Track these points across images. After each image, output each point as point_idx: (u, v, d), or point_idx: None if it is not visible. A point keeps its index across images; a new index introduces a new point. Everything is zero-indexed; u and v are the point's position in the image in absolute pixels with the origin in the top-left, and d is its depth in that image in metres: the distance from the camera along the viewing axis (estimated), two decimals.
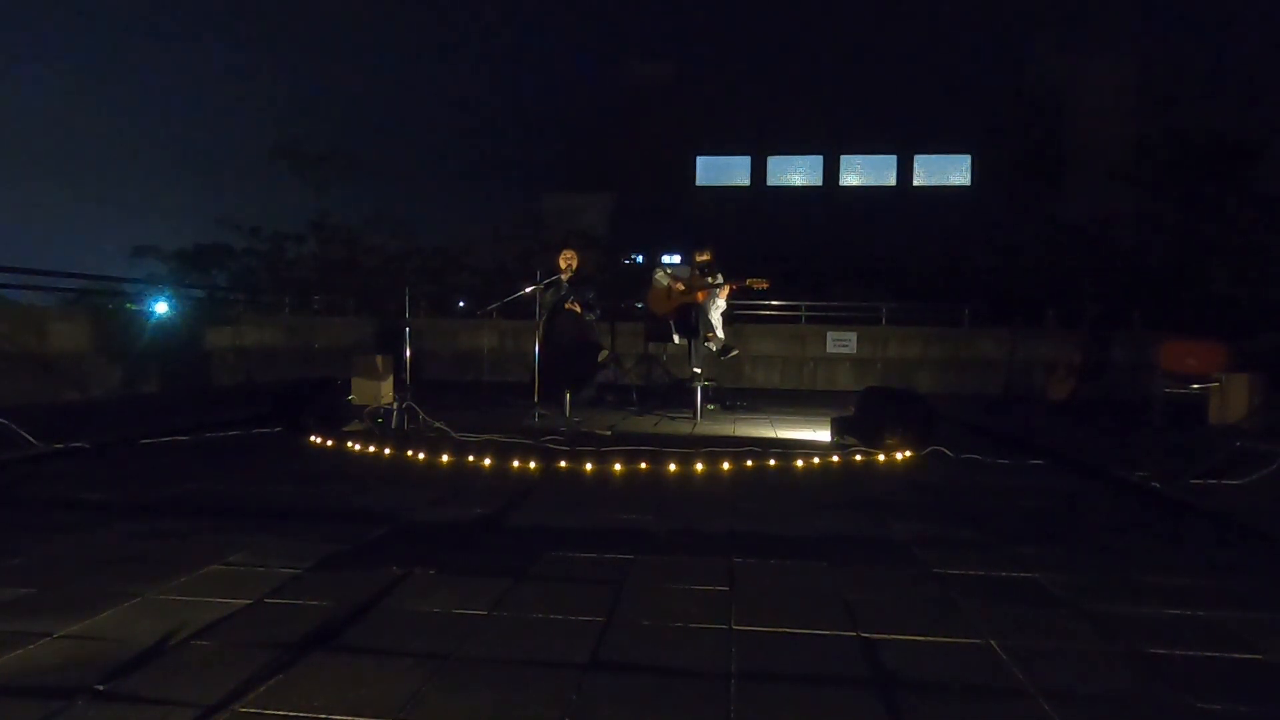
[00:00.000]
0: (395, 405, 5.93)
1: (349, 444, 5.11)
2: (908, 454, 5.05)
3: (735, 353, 7.93)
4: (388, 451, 4.89)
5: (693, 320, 7.28)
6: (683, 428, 6.29)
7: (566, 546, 2.88)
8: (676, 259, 23.34)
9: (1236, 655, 2.01)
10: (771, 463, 4.73)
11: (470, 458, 4.64)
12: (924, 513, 3.57)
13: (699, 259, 7.64)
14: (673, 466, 4.50)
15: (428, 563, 2.63)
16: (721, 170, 39.95)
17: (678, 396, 7.66)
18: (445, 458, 4.66)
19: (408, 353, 6.25)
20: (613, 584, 2.46)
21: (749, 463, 4.70)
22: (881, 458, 4.97)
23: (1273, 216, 14.68)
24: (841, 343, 11.46)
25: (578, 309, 7.20)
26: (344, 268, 21.90)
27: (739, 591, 2.43)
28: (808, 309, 12.35)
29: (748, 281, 7.44)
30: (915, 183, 38.33)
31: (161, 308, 9.25)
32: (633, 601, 2.32)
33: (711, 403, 7.65)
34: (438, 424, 5.71)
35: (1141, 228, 18.03)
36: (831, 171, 39.14)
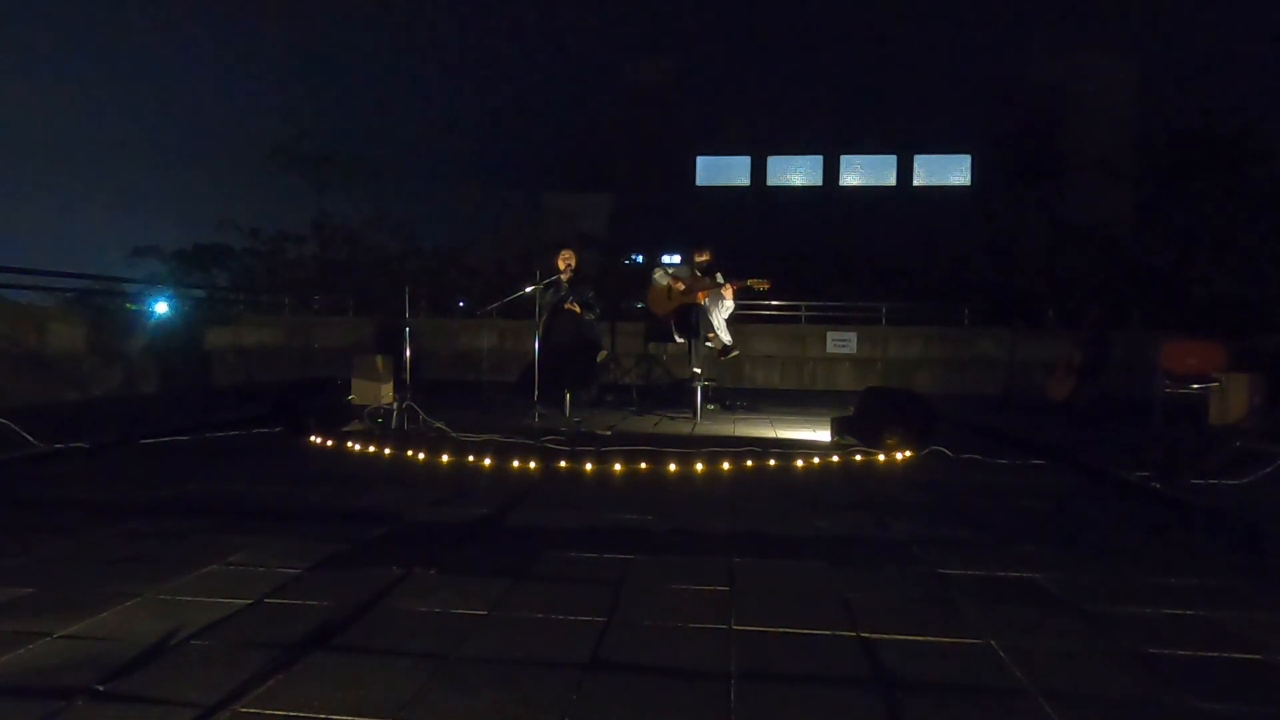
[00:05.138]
0: (395, 405, 5.94)
1: (349, 444, 5.11)
2: (908, 454, 5.05)
3: (735, 353, 7.92)
4: (388, 451, 4.89)
5: (693, 320, 7.27)
6: (683, 428, 6.28)
7: (566, 546, 2.88)
8: (676, 259, 23.33)
9: (1236, 655, 2.01)
10: (771, 463, 4.73)
11: (470, 458, 4.64)
12: (924, 513, 3.57)
13: (698, 259, 7.63)
14: (673, 466, 4.50)
15: (428, 563, 2.63)
16: (721, 170, 39.92)
17: (678, 396, 7.66)
18: (445, 458, 4.66)
19: (407, 353, 6.24)
20: (613, 584, 2.46)
21: (749, 463, 4.70)
22: (881, 458, 4.97)
23: (1273, 216, 14.68)
24: (841, 343, 11.46)
25: (577, 309, 7.20)
26: (344, 268, 21.93)
27: (739, 591, 2.43)
28: (808, 309, 12.35)
29: (749, 282, 7.43)
30: (915, 183, 38.31)
31: (161, 308, 9.26)
32: (633, 601, 2.32)
33: (711, 403, 7.64)
34: (438, 424, 5.71)
35: (1141, 227, 18.04)
36: (831, 171, 39.11)
